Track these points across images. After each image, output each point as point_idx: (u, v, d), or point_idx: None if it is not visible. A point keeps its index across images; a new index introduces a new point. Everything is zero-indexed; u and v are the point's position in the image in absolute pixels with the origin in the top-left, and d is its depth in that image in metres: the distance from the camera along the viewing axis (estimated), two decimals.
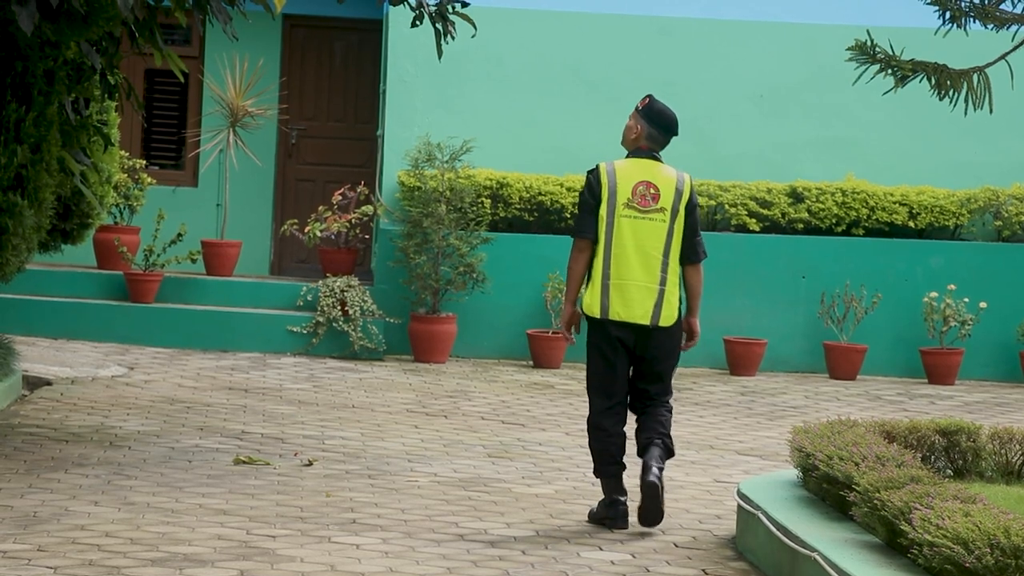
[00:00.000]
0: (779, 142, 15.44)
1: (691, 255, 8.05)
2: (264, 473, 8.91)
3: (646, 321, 7.91)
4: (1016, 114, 14.57)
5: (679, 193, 7.97)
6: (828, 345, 14.59)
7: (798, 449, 7.59)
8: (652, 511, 7.79)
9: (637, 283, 7.90)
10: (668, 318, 7.94)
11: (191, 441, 9.81)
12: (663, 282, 7.92)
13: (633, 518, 7.96)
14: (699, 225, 8.11)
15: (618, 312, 7.90)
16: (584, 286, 8.07)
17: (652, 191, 7.93)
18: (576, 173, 14.85)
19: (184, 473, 8.80)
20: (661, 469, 7.83)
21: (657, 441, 7.89)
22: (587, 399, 8.12)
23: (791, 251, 14.88)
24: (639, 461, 7.93)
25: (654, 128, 8.03)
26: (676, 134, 8.11)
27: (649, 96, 8.14)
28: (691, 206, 8.01)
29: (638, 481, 7.88)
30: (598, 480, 8.11)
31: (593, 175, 8.00)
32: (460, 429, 10.83)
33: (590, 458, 8.17)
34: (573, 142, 15.17)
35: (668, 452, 7.94)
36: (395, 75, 15.22)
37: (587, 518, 8.11)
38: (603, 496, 8.03)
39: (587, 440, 8.07)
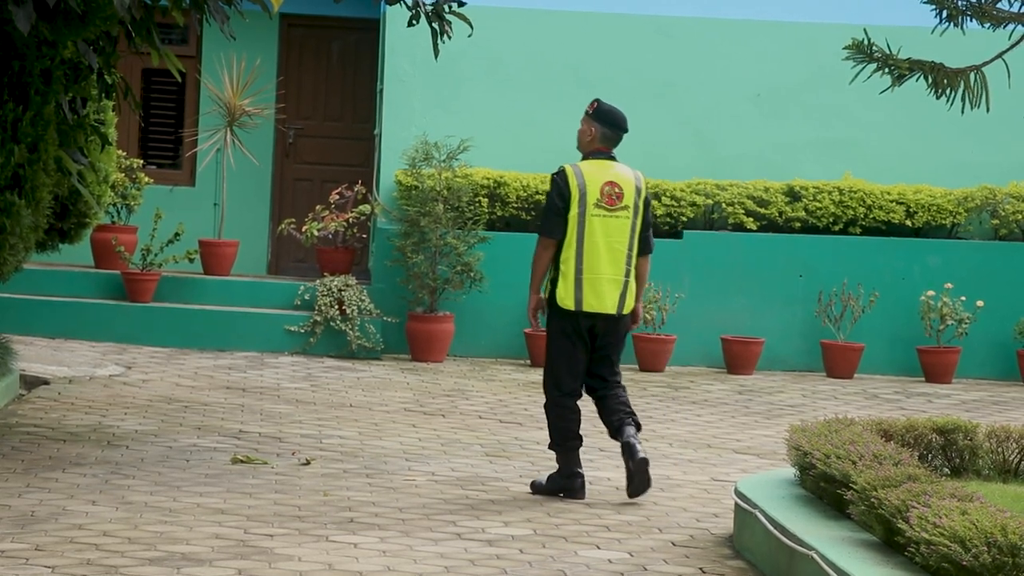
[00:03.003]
0: (777, 142, 15.44)
1: (644, 247, 8.72)
2: (262, 472, 8.91)
3: (613, 311, 8.57)
4: (1013, 113, 14.56)
5: (638, 191, 8.64)
6: (825, 344, 14.60)
7: (795, 448, 7.60)
8: (644, 483, 8.46)
9: (606, 276, 8.52)
10: (628, 306, 8.65)
11: (189, 440, 9.81)
12: (627, 274, 8.61)
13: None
14: (651, 219, 8.76)
15: (591, 304, 8.52)
16: (549, 279, 8.65)
17: (617, 190, 8.57)
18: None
19: (182, 472, 8.80)
20: (640, 443, 8.52)
21: (628, 420, 8.57)
22: (552, 384, 8.62)
23: (788, 250, 14.89)
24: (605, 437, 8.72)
25: (607, 128, 8.69)
26: (627, 131, 8.74)
27: (596, 100, 8.79)
28: (647, 202, 8.71)
29: (624, 461, 8.57)
30: (554, 453, 8.69)
31: (560, 178, 8.61)
32: (457, 428, 10.83)
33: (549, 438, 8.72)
34: (571, 141, 15.02)
35: (638, 427, 8.63)
36: (392, 74, 15.22)
37: (531, 490, 8.64)
38: (559, 468, 8.60)
39: (548, 420, 8.66)
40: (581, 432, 8.68)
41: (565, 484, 8.59)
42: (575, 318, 8.53)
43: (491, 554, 7.23)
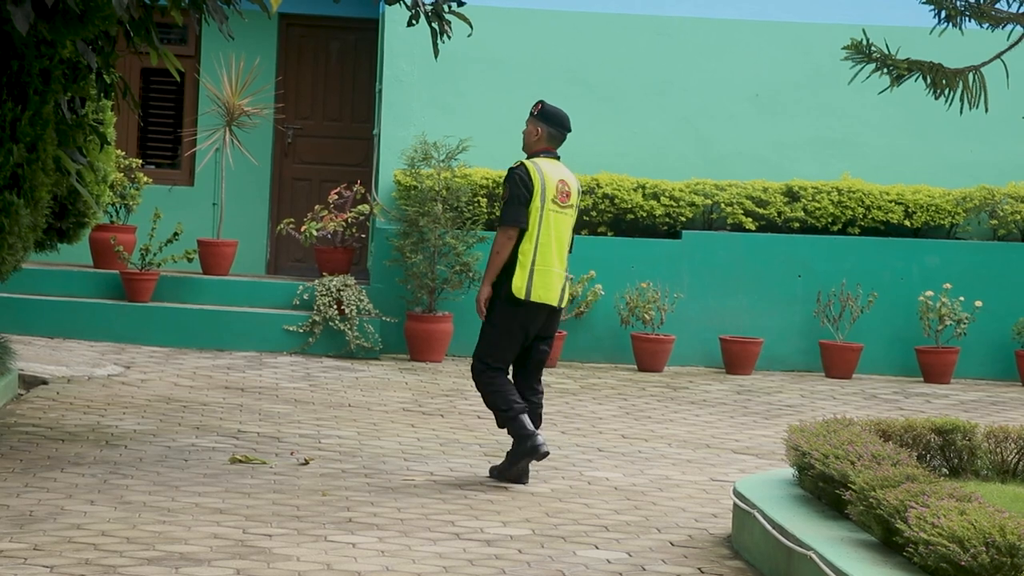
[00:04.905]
0: (776, 141, 15.45)
1: (571, 246, 9.13)
2: (260, 472, 8.91)
3: (556, 303, 8.94)
4: (1012, 113, 14.57)
5: (579, 192, 9.12)
6: (824, 344, 14.60)
7: (794, 448, 7.60)
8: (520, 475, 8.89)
9: (555, 270, 8.87)
10: (565, 300, 9.03)
11: (187, 440, 9.81)
12: (566, 268, 9.05)
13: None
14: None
15: (540, 295, 8.88)
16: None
17: (566, 188, 8.95)
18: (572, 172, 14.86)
19: (180, 472, 8.80)
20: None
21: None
22: (488, 363, 8.82)
23: (787, 250, 14.90)
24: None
25: (552, 128, 9.07)
26: (570, 130, 9.09)
27: (541, 101, 9.08)
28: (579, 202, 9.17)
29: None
30: (504, 429, 8.87)
31: (523, 171, 8.88)
32: (456, 428, 10.83)
33: (507, 427, 8.85)
34: (569, 141, 15.09)
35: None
36: (391, 74, 15.22)
37: (495, 476, 8.85)
38: (515, 440, 8.73)
39: (485, 396, 8.82)
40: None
41: (522, 448, 8.71)
42: (524, 307, 8.80)
43: (489, 554, 7.23)
